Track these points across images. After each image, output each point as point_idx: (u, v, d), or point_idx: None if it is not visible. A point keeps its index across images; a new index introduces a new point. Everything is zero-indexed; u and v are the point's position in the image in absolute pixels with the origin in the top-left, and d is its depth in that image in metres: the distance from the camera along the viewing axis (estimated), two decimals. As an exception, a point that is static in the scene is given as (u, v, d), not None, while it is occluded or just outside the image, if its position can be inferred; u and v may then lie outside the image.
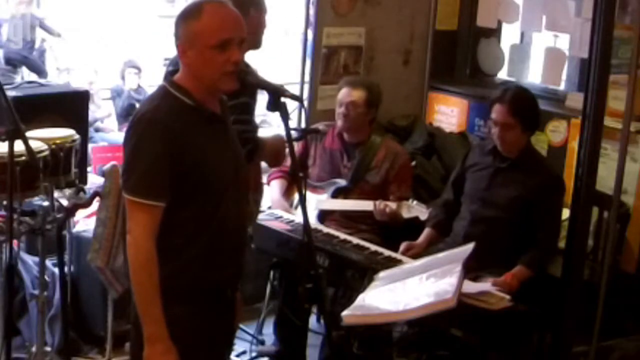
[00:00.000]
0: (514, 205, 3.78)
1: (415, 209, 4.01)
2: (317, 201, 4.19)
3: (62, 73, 9.92)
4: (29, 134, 3.31)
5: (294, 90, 4.35)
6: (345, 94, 4.24)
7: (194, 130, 2.49)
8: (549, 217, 3.78)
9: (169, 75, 2.62)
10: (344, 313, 2.93)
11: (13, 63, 9.53)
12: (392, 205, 4.02)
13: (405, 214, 4.01)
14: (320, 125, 4.42)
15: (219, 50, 2.45)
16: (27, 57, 9.57)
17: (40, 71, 9.65)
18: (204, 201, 2.51)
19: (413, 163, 4.83)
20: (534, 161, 3.88)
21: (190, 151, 2.47)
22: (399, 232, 4.10)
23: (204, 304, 2.58)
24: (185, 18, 2.49)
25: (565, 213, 4.15)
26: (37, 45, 9.85)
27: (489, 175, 3.87)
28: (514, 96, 3.78)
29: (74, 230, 4.30)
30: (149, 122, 2.46)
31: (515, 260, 3.69)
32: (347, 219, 4.16)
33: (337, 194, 4.22)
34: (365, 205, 4.08)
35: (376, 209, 4.03)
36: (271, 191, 4.34)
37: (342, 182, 4.23)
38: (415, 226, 4.13)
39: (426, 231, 4.01)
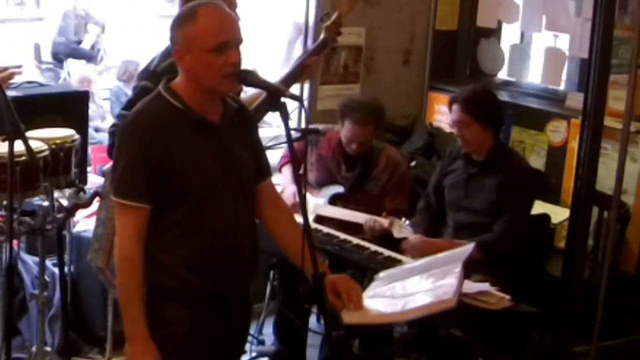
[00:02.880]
0: (491, 209, 3.75)
1: (406, 230, 3.91)
2: (315, 205, 4.17)
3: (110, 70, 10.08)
4: (29, 134, 3.31)
5: (294, 90, 4.35)
6: (351, 131, 4.07)
7: (179, 135, 2.48)
8: (509, 209, 3.72)
9: (167, 82, 2.59)
10: (344, 313, 2.93)
11: (59, 58, 9.72)
12: (384, 222, 3.94)
13: (397, 233, 3.91)
14: (320, 126, 4.42)
15: (217, 53, 2.43)
16: (76, 48, 9.79)
17: (89, 56, 9.84)
18: (188, 206, 2.50)
19: (413, 163, 4.82)
20: (505, 160, 3.82)
21: (172, 155, 2.46)
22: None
23: (205, 309, 2.57)
24: (181, 23, 2.48)
25: (565, 213, 4.16)
26: (88, 40, 10.18)
27: (464, 183, 3.86)
28: (467, 94, 3.79)
29: (74, 230, 4.31)
30: (131, 124, 2.49)
31: (503, 261, 3.67)
32: (343, 225, 4.11)
33: (335, 200, 4.19)
34: (361, 217, 4.02)
35: (365, 226, 3.96)
36: (284, 176, 4.33)
37: (340, 189, 4.20)
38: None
39: (419, 237, 3.92)
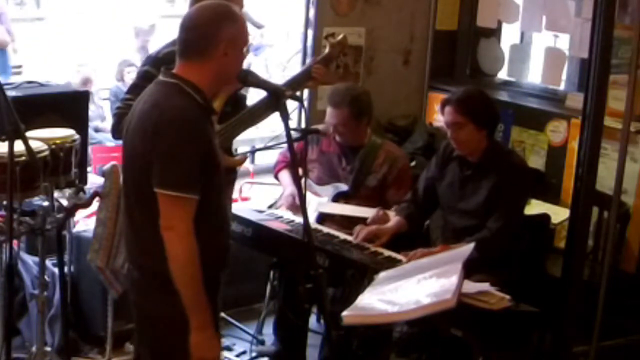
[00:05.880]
0: (486, 210, 3.73)
1: None
2: (318, 204, 4.18)
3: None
4: (29, 134, 3.31)
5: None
6: (329, 114, 4.15)
7: (208, 129, 2.60)
8: (502, 206, 3.68)
9: (166, 73, 2.63)
10: (344, 313, 2.94)
11: None
12: (391, 213, 3.96)
13: None
14: (320, 126, 4.41)
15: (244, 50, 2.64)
16: None
17: None
18: (212, 192, 2.60)
19: (413, 163, 4.81)
20: (500, 159, 3.78)
21: (209, 147, 2.57)
22: (399, 236, 4.05)
23: (211, 296, 2.64)
24: (227, 20, 2.57)
25: (565, 213, 4.15)
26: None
27: (459, 186, 3.83)
28: (460, 95, 3.76)
29: (74, 230, 4.30)
30: (186, 118, 2.53)
31: (503, 261, 3.67)
32: (346, 221, 4.13)
33: (338, 198, 4.20)
34: (365, 212, 4.03)
35: (372, 219, 3.94)
36: (282, 181, 4.34)
37: (343, 187, 4.20)
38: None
39: (397, 219, 3.92)
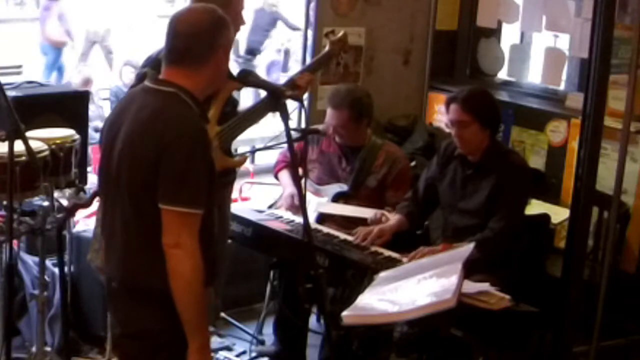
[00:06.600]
0: (486, 210, 3.73)
1: None
2: (317, 204, 4.18)
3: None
4: (29, 134, 3.31)
5: (294, 90, 4.34)
6: (329, 115, 4.15)
7: (209, 138, 2.54)
8: (504, 205, 3.69)
9: (158, 81, 2.57)
10: (344, 313, 2.94)
11: (253, 52, 10.45)
12: (390, 215, 3.96)
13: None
14: (320, 126, 4.41)
15: None
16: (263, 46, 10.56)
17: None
18: (208, 206, 2.51)
19: (413, 163, 4.81)
20: (500, 159, 3.79)
21: (212, 159, 2.50)
22: (399, 235, 4.06)
23: None
24: (224, 25, 2.53)
25: (565, 213, 4.15)
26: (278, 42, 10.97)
27: (460, 186, 3.84)
28: (466, 94, 3.76)
29: (74, 230, 4.30)
30: (196, 132, 2.45)
31: (503, 261, 3.67)
32: (346, 221, 4.14)
33: (338, 198, 4.20)
34: (365, 212, 4.03)
35: (371, 220, 3.93)
36: (281, 181, 4.34)
37: (343, 187, 4.20)
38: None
39: (398, 217, 3.93)
